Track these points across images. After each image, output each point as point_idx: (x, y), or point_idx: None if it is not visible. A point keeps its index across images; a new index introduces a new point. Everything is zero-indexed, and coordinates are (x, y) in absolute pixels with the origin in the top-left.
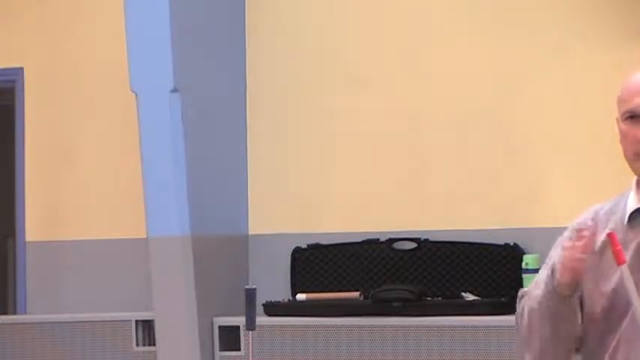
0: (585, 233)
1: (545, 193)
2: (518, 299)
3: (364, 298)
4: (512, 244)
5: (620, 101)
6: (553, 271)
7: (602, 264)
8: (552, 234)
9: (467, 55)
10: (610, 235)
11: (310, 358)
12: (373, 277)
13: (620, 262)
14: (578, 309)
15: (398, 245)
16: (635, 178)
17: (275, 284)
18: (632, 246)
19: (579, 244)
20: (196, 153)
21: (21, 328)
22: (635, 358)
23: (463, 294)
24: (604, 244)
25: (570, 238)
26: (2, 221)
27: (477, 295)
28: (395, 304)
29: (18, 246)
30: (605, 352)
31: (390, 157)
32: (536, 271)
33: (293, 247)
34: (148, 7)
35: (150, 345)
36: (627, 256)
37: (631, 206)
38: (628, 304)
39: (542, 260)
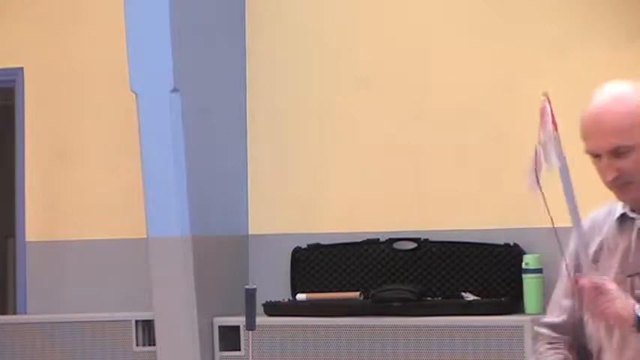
0: None
1: (545, 193)
2: (533, 339)
3: (364, 298)
4: (512, 244)
5: (582, 138)
6: None
7: (598, 268)
8: (552, 234)
9: (467, 55)
10: (545, 101)
11: (310, 358)
12: (373, 277)
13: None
14: None
15: (398, 245)
16: None
17: (275, 284)
18: (620, 249)
19: None
20: (196, 153)
21: (21, 328)
22: None
23: (463, 294)
24: (597, 250)
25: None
26: (2, 221)
27: (477, 295)
28: (395, 304)
29: (18, 246)
30: (602, 354)
31: (390, 157)
32: (536, 271)
33: (293, 247)
34: (148, 7)
35: (150, 345)
36: (616, 258)
37: (618, 212)
38: None
39: (542, 260)
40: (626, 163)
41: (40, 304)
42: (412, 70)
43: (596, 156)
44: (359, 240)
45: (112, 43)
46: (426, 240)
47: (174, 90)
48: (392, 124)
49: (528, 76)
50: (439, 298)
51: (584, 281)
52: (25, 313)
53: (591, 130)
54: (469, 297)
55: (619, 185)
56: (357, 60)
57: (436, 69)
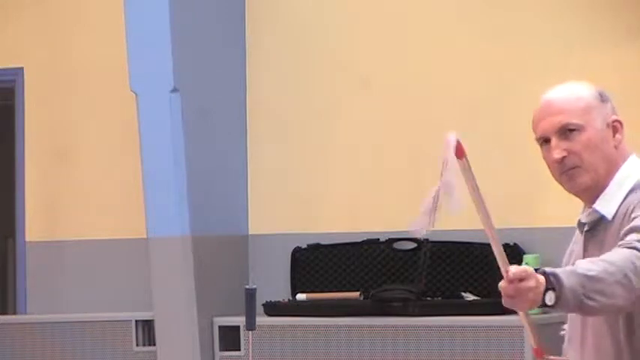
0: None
1: (545, 193)
2: None
3: (364, 298)
4: (512, 244)
5: (533, 128)
6: None
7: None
8: (552, 234)
9: (467, 55)
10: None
11: (310, 358)
12: (373, 277)
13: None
14: None
15: (398, 245)
16: None
17: (275, 284)
18: (579, 255)
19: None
20: (196, 153)
21: (21, 328)
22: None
23: (463, 294)
24: (567, 262)
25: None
26: (2, 221)
27: (476, 295)
28: (395, 304)
29: (18, 246)
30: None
31: (390, 157)
32: (536, 271)
33: (293, 247)
34: (148, 7)
35: (150, 345)
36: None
37: (579, 218)
38: None
39: (541, 260)
40: (574, 145)
41: (40, 304)
42: (412, 70)
43: (545, 142)
44: (359, 240)
45: (112, 43)
46: (426, 240)
47: (174, 90)
48: (392, 123)
49: (528, 76)
50: (439, 298)
51: (509, 274)
52: (25, 313)
53: (541, 114)
54: (469, 297)
55: (567, 170)
56: (357, 60)
57: (436, 69)
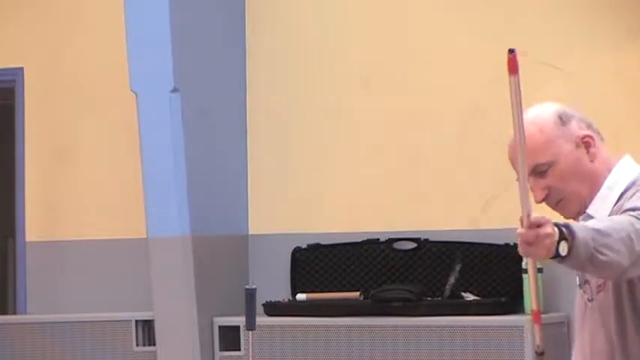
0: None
1: None
2: None
3: (364, 298)
4: (512, 244)
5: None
6: None
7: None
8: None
9: (467, 55)
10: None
11: (310, 358)
12: (373, 277)
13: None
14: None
15: (398, 245)
16: None
17: (275, 284)
18: None
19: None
20: (196, 153)
21: (21, 328)
22: (578, 346)
23: (463, 294)
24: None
25: None
26: (2, 221)
27: (477, 295)
28: (395, 304)
29: (18, 246)
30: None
31: (390, 157)
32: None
33: (293, 247)
34: (148, 7)
35: (150, 345)
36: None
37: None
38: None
39: (542, 260)
40: (550, 180)
41: (40, 304)
42: (412, 70)
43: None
44: (359, 240)
45: (112, 43)
46: (426, 240)
47: (174, 90)
48: (392, 124)
49: (528, 77)
50: (439, 298)
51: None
52: (25, 313)
53: (512, 156)
54: (469, 297)
55: (554, 205)
56: (357, 60)
57: (436, 69)
